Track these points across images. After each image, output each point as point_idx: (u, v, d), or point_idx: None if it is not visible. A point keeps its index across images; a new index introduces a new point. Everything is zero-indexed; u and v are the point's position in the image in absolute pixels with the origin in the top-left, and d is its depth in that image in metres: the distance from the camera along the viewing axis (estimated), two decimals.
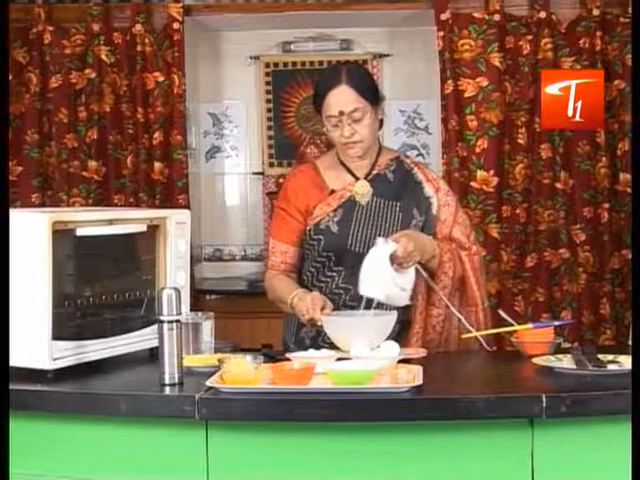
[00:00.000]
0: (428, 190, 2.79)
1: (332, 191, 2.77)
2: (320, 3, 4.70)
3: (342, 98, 2.65)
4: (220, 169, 5.22)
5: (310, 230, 2.75)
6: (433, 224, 2.77)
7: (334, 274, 2.72)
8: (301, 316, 2.58)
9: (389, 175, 2.79)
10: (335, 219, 2.73)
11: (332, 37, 5.06)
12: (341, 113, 2.65)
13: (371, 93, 2.69)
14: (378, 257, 2.52)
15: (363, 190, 2.76)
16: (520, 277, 4.35)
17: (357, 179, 2.78)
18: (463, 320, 2.65)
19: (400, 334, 2.63)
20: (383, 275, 2.51)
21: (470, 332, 2.61)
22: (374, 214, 2.74)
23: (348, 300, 2.66)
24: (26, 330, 2.19)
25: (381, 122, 2.78)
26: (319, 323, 2.52)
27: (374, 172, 2.79)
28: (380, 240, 2.55)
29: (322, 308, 2.53)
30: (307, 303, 2.54)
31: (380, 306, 2.53)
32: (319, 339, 2.65)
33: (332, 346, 2.49)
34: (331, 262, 2.73)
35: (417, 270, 2.62)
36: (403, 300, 2.59)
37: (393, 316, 2.49)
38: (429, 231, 2.75)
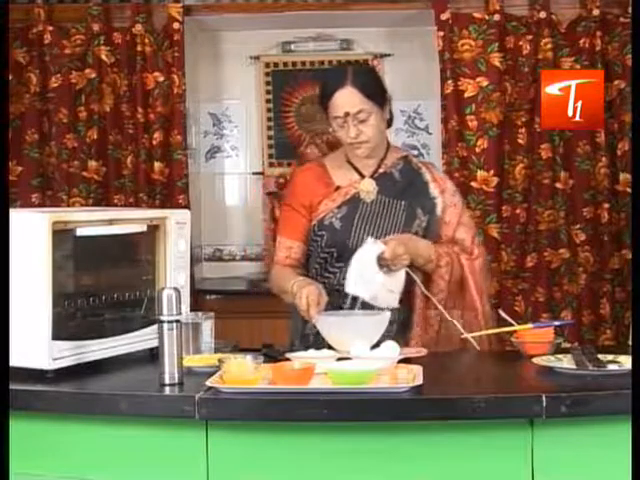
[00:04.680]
0: (433, 190, 2.80)
1: (337, 187, 2.78)
2: (320, 3, 4.70)
3: (347, 99, 2.66)
4: (220, 169, 5.22)
5: (314, 226, 2.77)
6: (437, 225, 2.78)
7: (336, 270, 2.73)
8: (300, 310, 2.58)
9: (396, 174, 2.81)
10: (338, 215, 2.75)
11: (332, 37, 5.06)
12: (346, 114, 2.67)
13: (377, 94, 2.71)
14: (365, 256, 2.54)
15: (368, 188, 2.78)
16: (520, 277, 4.36)
17: (363, 177, 2.79)
18: (457, 324, 2.65)
19: (398, 335, 2.63)
20: (368, 275, 2.52)
21: (463, 335, 2.61)
22: (378, 212, 2.75)
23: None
24: (26, 330, 2.19)
25: (390, 121, 2.79)
26: (313, 321, 2.52)
27: (380, 170, 2.80)
28: (369, 240, 2.57)
29: (317, 303, 2.52)
30: (302, 301, 2.53)
31: (368, 306, 2.54)
32: (321, 336, 2.65)
33: None
34: (333, 258, 2.74)
35: (409, 274, 2.63)
36: (391, 302, 2.59)
37: (386, 316, 2.50)
38: (432, 232, 2.76)
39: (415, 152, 4.92)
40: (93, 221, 2.39)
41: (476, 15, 4.31)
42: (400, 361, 2.26)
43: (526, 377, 2.28)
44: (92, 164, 4.42)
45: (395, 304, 2.61)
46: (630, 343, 2.18)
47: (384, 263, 2.55)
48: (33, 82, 4.39)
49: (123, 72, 4.40)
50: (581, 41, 4.27)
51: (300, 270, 2.80)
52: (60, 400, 2.12)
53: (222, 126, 5.18)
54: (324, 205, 2.77)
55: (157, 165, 4.41)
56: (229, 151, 5.21)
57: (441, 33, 4.29)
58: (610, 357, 2.23)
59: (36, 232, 2.19)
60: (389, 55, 5.05)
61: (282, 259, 2.82)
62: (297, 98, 5.11)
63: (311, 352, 2.40)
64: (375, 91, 2.71)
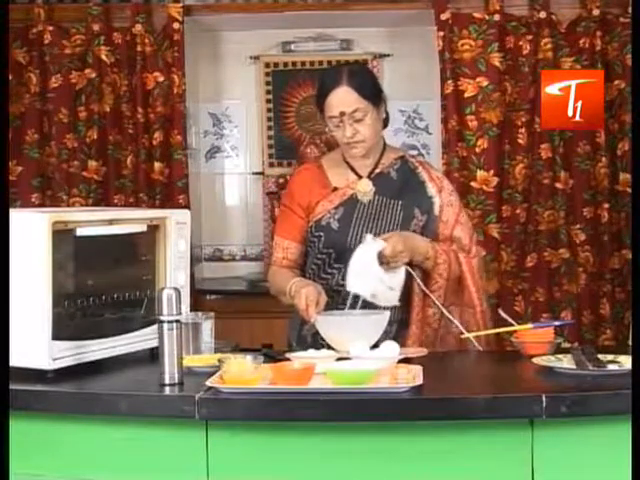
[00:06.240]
0: (430, 190, 2.80)
1: (335, 189, 2.78)
2: (320, 3, 4.71)
3: (343, 99, 2.66)
4: (220, 169, 5.22)
5: (312, 227, 2.77)
6: (435, 224, 2.78)
7: (334, 271, 2.73)
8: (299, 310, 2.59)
9: (392, 174, 2.81)
10: (336, 216, 2.75)
11: (332, 37, 5.06)
12: (342, 114, 2.66)
13: (372, 93, 2.71)
14: (365, 254, 2.54)
15: (365, 188, 2.78)
16: (520, 277, 4.35)
17: (360, 177, 2.79)
18: (457, 323, 2.66)
19: (397, 334, 2.63)
20: (369, 272, 2.53)
21: (463, 333, 2.61)
22: (375, 212, 2.76)
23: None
24: (26, 330, 2.19)
25: (386, 121, 2.79)
26: (312, 320, 2.52)
27: (377, 171, 2.80)
28: (369, 237, 2.57)
29: (317, 303, 2.53)
30: (302, 301, 2.54)
31: (369, 305, 2.54)
32: (319, 337, 2.65)
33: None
34: (331, 259, 2.74)
35: (409, 272, 2.63)
36: (392, 300, 2.60)
37: (385, 315, 2.50)
38: (430, 231, 2.76)
39: (415, 152, 4.92)
40: (93, 221, 2.39)
41: (476, 15, 4.30)
42: (400, 361, 2.27)
43: (526, 377, 2.28)
44: (92, 164, 4.42)
45: (395, 302, 2.61)
46: (630, 343, 2.18)
47: (384, 260, 2.55)
48: (33, 82, 4.39)
49: (123, 72, 4.40)
50: (581, 41, 4.27)
51: (297, 271, 2.80)
52: (60, 400, 2.12)
53: (222, 126, 5.18)
54: (321, 206, 2.77)
55: (157, 165, 4.41)
56: (229, 151, 5.21)
57: (441, 33, 4.28)
58: (610, 357, 2.23)
59: (36, 232, 2.19)
60: (389, 55, 5.06)
61: (279, 260, 2.82)
62: (297, 98, 5.11)
63: (311, 352, 2.40)
64: (371, 90, 2.71)
